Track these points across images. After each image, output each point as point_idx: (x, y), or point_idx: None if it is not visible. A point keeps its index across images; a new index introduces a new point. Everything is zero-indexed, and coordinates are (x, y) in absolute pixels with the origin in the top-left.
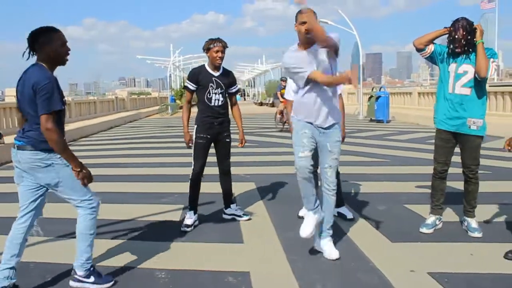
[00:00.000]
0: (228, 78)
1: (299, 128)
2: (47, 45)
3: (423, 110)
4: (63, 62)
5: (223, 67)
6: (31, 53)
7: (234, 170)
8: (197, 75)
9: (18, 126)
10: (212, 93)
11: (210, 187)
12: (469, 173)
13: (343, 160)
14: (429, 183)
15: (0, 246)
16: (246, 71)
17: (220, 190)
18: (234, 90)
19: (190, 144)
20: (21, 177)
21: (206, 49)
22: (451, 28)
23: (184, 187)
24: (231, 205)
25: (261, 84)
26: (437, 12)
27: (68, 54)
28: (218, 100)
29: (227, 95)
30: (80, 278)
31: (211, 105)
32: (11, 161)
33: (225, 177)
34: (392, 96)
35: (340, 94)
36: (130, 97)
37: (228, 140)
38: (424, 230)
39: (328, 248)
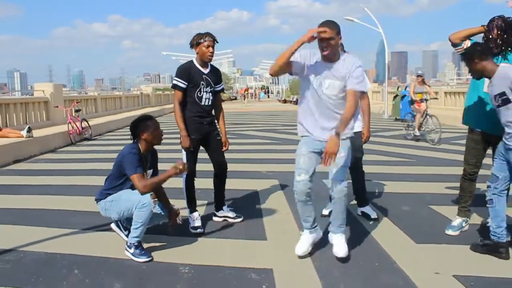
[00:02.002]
0: (216, 75)
1: (299, 146)
2: (145, 130)
3: (449, 110)
4: (157, 142)
5: (210, 64)
6: (133, 137)
7: (257, 167)
8: (188, 72)
9: None
10: (203, 92)
11: (234, 184)
12: None
13: (367, 159)
14: (455, 184)
15: (18, 238)
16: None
17: (244, 187)
18: (219, 88)
19: (191, 149)
20: None
21: (196, 44)
22: (486, 28)
23: (206, 183)
24: (223, 207)
25: (285, 81)
26: (462, 10)
27: (161, 136)
28: (208, 99)
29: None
30: (126, 247)
31: (201, 104)
32: (39, 154)
33: (220, 176)
34: None
35: (366, 92)
36: (155, 93)
37: (219, 138)
38: (449, 232)
39: (336, 244)
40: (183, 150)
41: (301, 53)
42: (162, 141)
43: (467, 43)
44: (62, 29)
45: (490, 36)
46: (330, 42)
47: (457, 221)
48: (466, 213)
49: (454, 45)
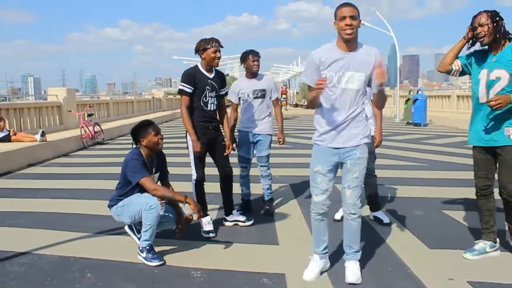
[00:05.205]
0: (221, 80)
1: (313, 162)
2: (144, 136)
3: (462, 113)
4: (157, 147)
5: (214, 68)
6: (135, 142)
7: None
8: (194, 77)
9: None
10: (209, 97)
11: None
12: (508, 196)
13: (379, 163)
14: (468, 189)
15: (32, 241)
16: (281, 72)
17: (256, 191)
18: (224, 92)
19: (202, 153)
20: None
21: (202, 49)
22: (470, 24)
23: (219, 187)
24: (233, 211)
25: (296, 85)
26: (473, 13)
27: (160, 141)
28: (213, 104)
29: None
30: (138, 251)
31: (207, 110)
32: (52, 158)
33: (227, 182)
34: (429, 99)
35: None
36: (167, 97)
37: (224, 143)
38: (467, 255)
39: (349, 270)
40: (190, 155)
41: (312, 70)
42: (172, 145)
43: (458, 63)
44: (75, 34)
45: (480, 22)
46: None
47: (479, 245)
48: (490, 236)
49: (447, 72)
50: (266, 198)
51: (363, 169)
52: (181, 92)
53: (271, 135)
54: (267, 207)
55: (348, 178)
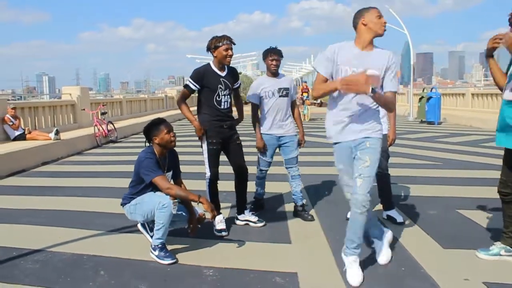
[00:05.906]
0: (233, 77)
1: (336, 161)
2: (156, 134)
3: (477, 112)
4: (170, 145)
5: (226, 65)
6: (148, 140)
7: (281, 170)
8: (202, 76)
9: None
10: (222, 95)
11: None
12: None
13: (393, 162)
14: (483, 188)
15: (46, 238)
16: (294, 70)
17: (268, 189)
18: (237, 86)
19: (204, 138)
20: None
21: (214, 47)
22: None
23: (232, 186)
24: (245, 211)
25: (308, 83)
26: (487, 10)
27: (172, 139)
28: (227, 102)
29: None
30: (151, 249)
31: (221, 108)
32: (66, 156)
33: (242, 181)
34: (443, 97)
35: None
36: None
37: (239, 142)
38: (480, 254)
39: (351, 271)
40: (204, 154)
41: (326, 65)
42: (185, 144)
43: None
44: (88, 34)
45: None
46: None
47: (494, 247)
48: (508, 241)
49: None
50: (299, 203)
51: (376, 160)
52: (185, 86)
53: (296, 135)
54: (310, 216)
55: (359, 167)
